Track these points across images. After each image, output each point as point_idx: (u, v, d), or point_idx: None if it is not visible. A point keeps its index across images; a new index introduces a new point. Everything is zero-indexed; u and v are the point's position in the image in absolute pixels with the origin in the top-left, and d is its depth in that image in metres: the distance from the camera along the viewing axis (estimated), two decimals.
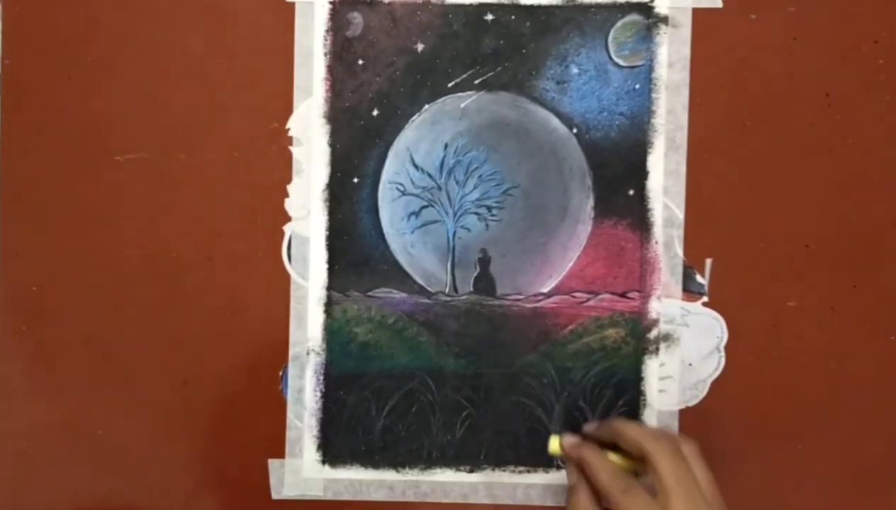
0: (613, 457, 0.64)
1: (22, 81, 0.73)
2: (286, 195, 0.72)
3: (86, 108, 0.73)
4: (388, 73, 0.71)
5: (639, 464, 0.62)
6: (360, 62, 0.71)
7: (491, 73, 0.71)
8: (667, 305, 0.72)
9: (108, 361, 0.73)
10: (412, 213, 0.72)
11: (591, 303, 0.72)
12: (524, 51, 0.71)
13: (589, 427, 0.68)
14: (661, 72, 0.71)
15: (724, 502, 0.61)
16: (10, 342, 0.74)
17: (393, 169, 0.72)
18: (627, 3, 0.71)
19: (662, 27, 0.71)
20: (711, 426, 0.71)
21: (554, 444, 0.67)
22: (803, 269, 0.71)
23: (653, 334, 0.72)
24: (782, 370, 0.72)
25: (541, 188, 0.71)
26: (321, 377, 0.72)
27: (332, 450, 0.73)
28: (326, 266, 0.72)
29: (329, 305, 0.72)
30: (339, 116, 0.72)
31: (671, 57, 0.71)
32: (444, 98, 0.71)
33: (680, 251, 0.71)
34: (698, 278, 0.71)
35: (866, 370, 0.72)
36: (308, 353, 0.72)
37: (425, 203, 0.72)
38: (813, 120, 0.71)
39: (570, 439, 0.67)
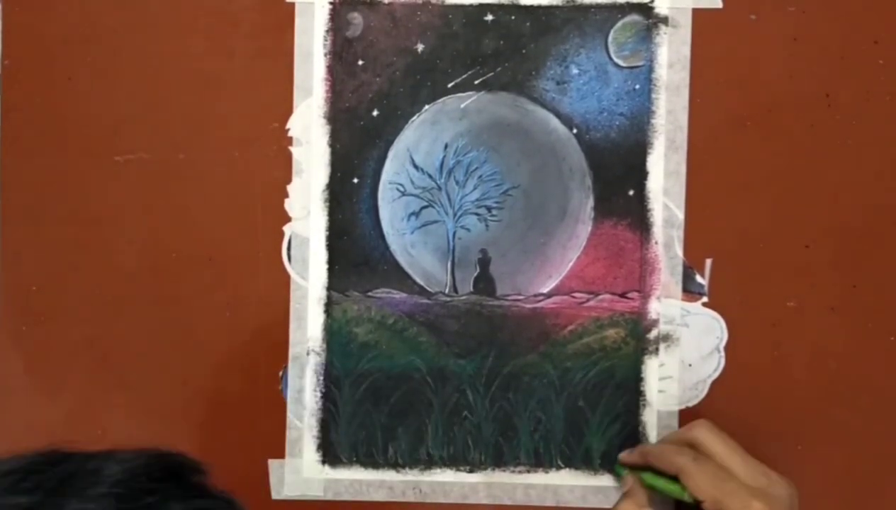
0: (657, 479, 0.67)
1: (22, 81, 0.73)
2: (286, 195, 0.72)
3: (86, 109, 0.73)
4: (388, 73, 0.71)
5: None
6: (360, 62, 0.71)
7: (491, 74, 0.71)
8: (666, 306, 0.72)
9: (108, 361, 0.74)
10: (412, 214, 0.72)
11: (590, 303, 0.72)
12: (524, 51, 0.71)
13: (623, 456, 0.70)
14: (661, 72, 0.71)
15: (754, 458, 0.64)
16: (10, 342, 0.74)
17: (393, 169, 0.72)
18: (627, 3, 0.71)
19: (662, 27, 0.71)
20: None
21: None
22: (803, 269, 0.71)
23: (652, 334, 0.72)
24: (782, 370, 0.72)
25: (541, 188, 0.72)
26: (321, 377, 0.72)
27: (332, 451, 0.73)
28: (326, 266, 0.72)
29: (329, 305, 0.72)
30: (339, 117, 0.72)
31: (671, 57, 0.71)
32: (444, 98, 0.71)
33: (680, 251, 0.71)
34: (698, 278, 0.71)
35: (866, 370, 0.72)
36: (308, 354, 0.72)
37: (425, 203, 0.72)
38: (813, 120, 0.71)
39: (625, 452, 0.70)
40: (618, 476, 0.71)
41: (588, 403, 0.72)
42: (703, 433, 0.65)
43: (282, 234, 0.72)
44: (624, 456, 0.70)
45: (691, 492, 0.63)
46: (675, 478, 0.65)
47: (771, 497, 0.62)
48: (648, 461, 0.67)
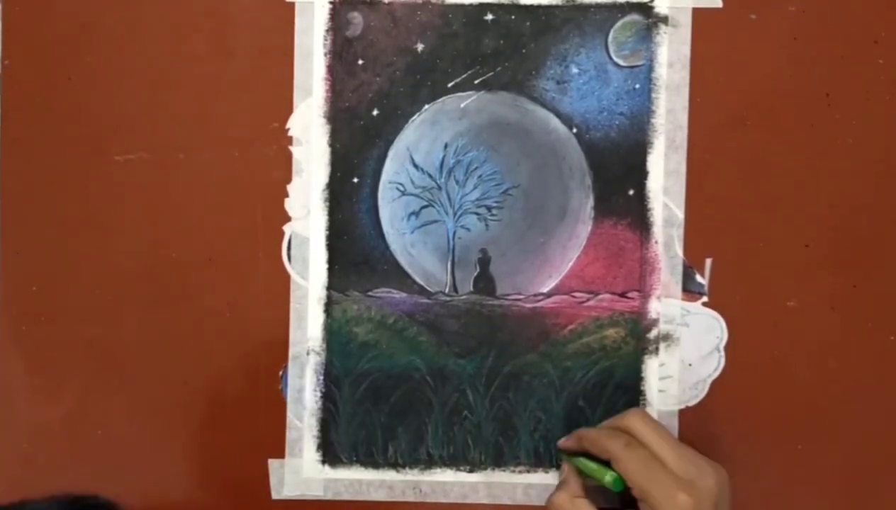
0: (589, 464, 0.67)
1: (22, 81, 0.73)
2: (286, 195, 0.72)
3: (86, 108, 0.73)
4: (388, 72, 0.71)
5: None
6: (360, 62, 0.71)
7: (491, 73, 0.71)
8: (666, 305, 0.72)
9: (108, 361, 0.74)
10: (412, 213, 0.72)
11: (590, 302, 0.72)
12: (524, 51, 0.71)
13: (561, 442, 0.70)
14: (661, 72, 0.71)
15: (686, 446, 0.64)
16: (10, 342, 0.74)
17: (393, 169, 0.72)
18: (627, 2, 0.71)
19: (662, 27, 0.71)
20: (711, 426, 0.71)
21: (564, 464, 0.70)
22: (803, 269, 0.71)
23: (652, 334, 0.72)
24: (782, 370, 0.72)
25: (540, 188, 0.72)
26: (321, 377, 0.72)
27: (332, 451, 0.73)
28: (326, 266, 0.72)
29: (329, 305, 0.72)
30: (339, 116, 0.72)
31: (671, 57, 0.71)
32: (443, 98, 0.71)
33: (680, 251, 0.71)
34: (698, 278, 0.71)
35: (866, 370, 0.72)
36: (308, 353, 0.72)
37: (425, 203, 0.72)
38: (813, 120, 0.71)
39: (564, 438, 0.70)
40: (559, 464, 0.71)
41: (588, 403, 0.72)
42: (636, 422, 0.65)
43: (282, 234, 0.72)
44: (562, 442, 0.70)
45: (622, 477, 0.64)
46: (608, 465, 0.65)
47: (698, 488, 0.62)
48: (584, 446, 0.68)
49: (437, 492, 0.73)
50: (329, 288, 0.72)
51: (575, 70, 0.71)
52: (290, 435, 0.73)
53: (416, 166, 0.72)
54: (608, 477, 0.64)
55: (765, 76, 0.71)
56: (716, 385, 0.72)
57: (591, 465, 0.66)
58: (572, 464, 0.68)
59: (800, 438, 0.72)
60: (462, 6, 0.71)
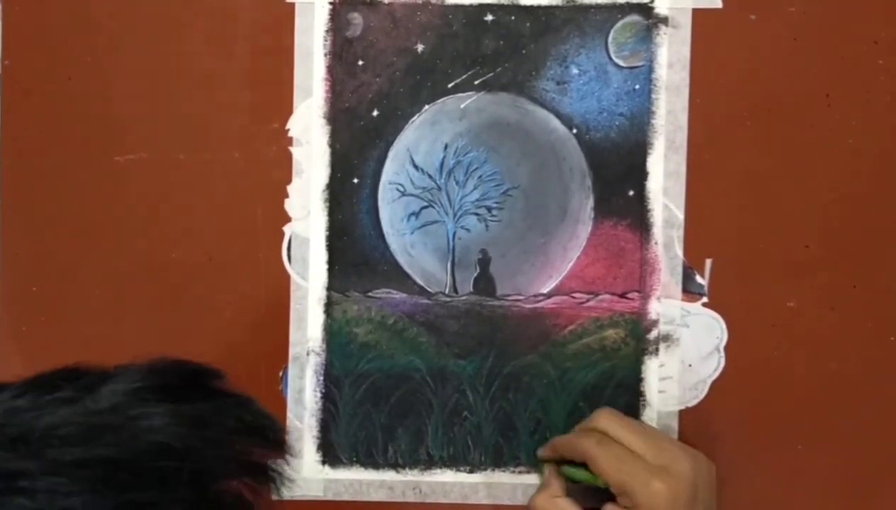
0: (574, 469, 0.67)
1: (22, 81, 0.73)
2: (286, 195, 0.72)
3: (86, 109, 0.73)
4: (388, 73, 0.71)
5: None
6: (360, 63, 0.71)
7: (491, 74, 0.71)
8: (666, 306, 0.72)
9: (108, 361, 0.73)
10: (412, 214, 0.72)
11: (590, 303, 0.72)
12: (524, 51, 0.71)
13: (539, 452, 0.71)
14: (661, 72, 0.71)
15: (660, 435, 0.66)
16: (10, 342, 0.74)
17: (393, 169, 0.72)
18: (627, 3, 0.71)
19: (662, 28, 0.71)
20: (711, 427, 0.71)
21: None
22: (803, 269, 0.71)
23: (652, 335, 0.72)
24: (782, 370, 0.72)
25: (541, 189, 0.72)
26: (321, 377, 0.72)
27: (332, 451, 0.73)
28: (326, 266, 0.72)
29: (329, 306, 0.72)
30: (339, 117, 0.72)
31: (671, 57, 0.71)
32: (444, 98, 0.71)
33: (680, 252, 0.71)
34: (698, 279, 0.71)
35: (866, 370, 0.72)
36: (308, 354, 0.72)
37: (425, 203, 0.72)
38: (813, 120, 0.71)
39: (541, 448, 0.71)
40: (540, 473, 0.71)
41: (588, 404, 0.72)
42: (605, 419, 0.66)
43: (282, 235, 0.72)
44: (540, 452, 0.71)
45: (597, 475, 0.64)
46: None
47: (673, 474, 0.62)
48: (560, 453, 0.68)
49: (437, 493, 0.73)
50: (329, 288, 0.72)
51: (575, 71, 0.71)
52: (290, 435, 0.73)
53: (416, 167, 0.72)
54: (598, 479, 0.65)
55: (765, 76, 0.71)
56: (716, 385, 0.72)
57: (576, 470, 0.67)
58: (555, 469, 0.69)
59: (800, 438, 0.72)
60: (462, 7, 0.71)
